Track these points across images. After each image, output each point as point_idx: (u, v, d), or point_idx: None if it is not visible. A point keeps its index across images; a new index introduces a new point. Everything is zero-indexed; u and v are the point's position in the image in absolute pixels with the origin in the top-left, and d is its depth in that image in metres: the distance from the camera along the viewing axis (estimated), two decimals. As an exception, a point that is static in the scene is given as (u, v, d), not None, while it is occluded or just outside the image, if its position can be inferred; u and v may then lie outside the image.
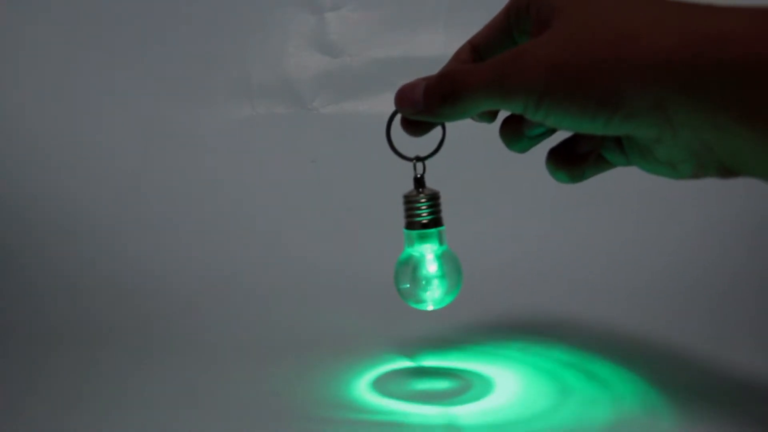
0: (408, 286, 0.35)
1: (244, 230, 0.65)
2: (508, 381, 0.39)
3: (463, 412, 0.35)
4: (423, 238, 0.34)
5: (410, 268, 0.35)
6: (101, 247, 0.63)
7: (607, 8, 0.26)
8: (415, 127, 0.32)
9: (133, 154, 0.69)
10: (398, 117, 0.32)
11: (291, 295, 0.57)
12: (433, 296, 0.35)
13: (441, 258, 0.35)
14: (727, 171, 0.27)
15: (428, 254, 0.35)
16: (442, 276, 0.35)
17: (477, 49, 0.33)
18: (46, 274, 0.60)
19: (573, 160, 0.32)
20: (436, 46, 0.68)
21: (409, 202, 0.34)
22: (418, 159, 0.34)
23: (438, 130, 0.33)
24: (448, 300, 0.35)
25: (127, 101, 0.70)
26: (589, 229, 0.62)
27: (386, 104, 0.74)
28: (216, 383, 0.40)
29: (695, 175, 0.28)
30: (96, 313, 0.53)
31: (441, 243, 0.35)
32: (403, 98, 0.30)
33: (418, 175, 0.34)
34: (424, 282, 0.34)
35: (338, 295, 0.57)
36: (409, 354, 0.45)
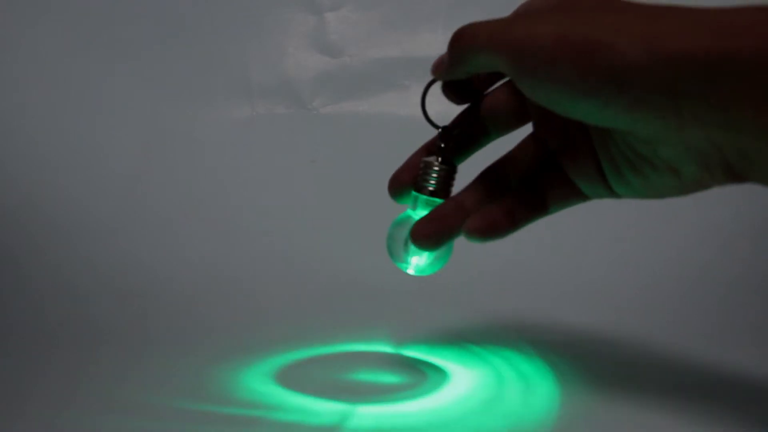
0: (397, 245, 0.35)
1: (244, 230, 0.65)
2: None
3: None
4: (426, 205, 0.34)
5: (404, 229, 0.35)
6: (101, 247, 0.63)
7: (604, 4, 0.26)
8: (453, 92, 0.32)
9: (133, 154, 0.69)
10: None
11: (290, 295, 0.57)
12: (418, 263, 0.35)
13: None
14: (733, 173, 0.25)
15: None
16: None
17: None
18: (45, 274, 0.60)
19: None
20: (436, 46, 0.68)
21: (426, 166, 0.34)
22: (445, 129, 0.34)
23: None
24: (431, 271, 0.36)
25: (127, 101, 0.70)
26: (589, 229, 0.62)
27: (386, 104, 0.74)
28: (215, 382, 0.40)
29: (700, 180, 0.26)
30: (95, 313, 0.53)
31: None
32: (437, 62, 0.31)
33: (442, 145, 0.34)
34: (412, 246, 0.34)
35: (338, 294, 0.57)
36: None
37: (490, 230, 0.31)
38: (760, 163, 0.24)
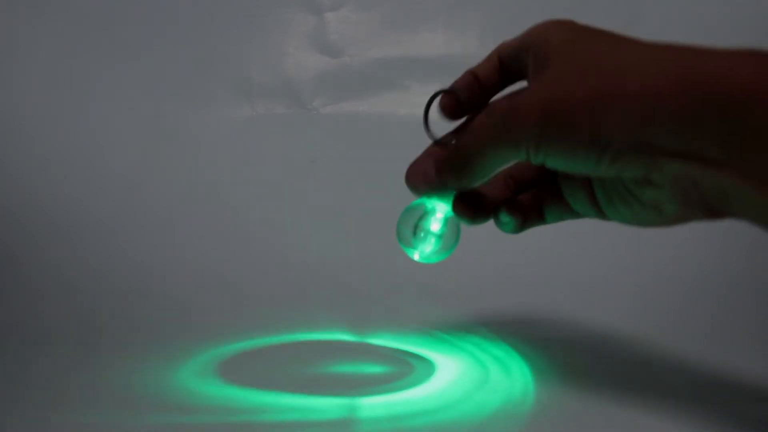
0: (406, 229, 0.36)
1: (243, 230, 0.65)
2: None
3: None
4: (441, 196, 0.35)
5: (417, 215, 0.36)
6: (101, 247, 0.63)
7: (599, 50, 0.27)
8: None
9: (133, 154, 0.69)
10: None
11: (290, 295, 0.57)
12: (423, 250, 0.36)
13: (447, 221, 0.36)
14: (712, 211, 0.27)
15: (438, 212, 0.36)
16: (440, 237, 0.36)
17: (503, 61, 0.34)
18: (45, 274, 0.60)
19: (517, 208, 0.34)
20: (436, 46, 0.68)
21: None
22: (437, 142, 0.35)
23: None
24: (434, 260, 0.37)
25: (127, 101, 0.70)
26: (588, 229, 0.62)
27: (386, 104, 0.74)
28: (215, 382, 0.40)
29: (680, 217, 0.28)
30: (94, 313, 0.53)
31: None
32: (415, 175, 0.32)
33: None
34: (421, 234, 0.36)
35: (338, 294, 0.57)
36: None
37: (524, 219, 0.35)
38: (736, 199, 0.25)
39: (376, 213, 0.54)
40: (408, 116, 0.68)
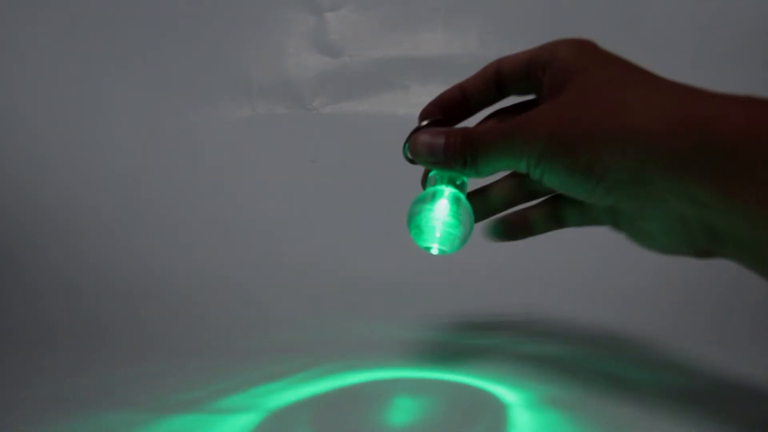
0: (420, 224, 0.34)
1: (244, 230, 0.65)
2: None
3: None
4: (450, 182, 0.34)
5: (426, 206, 0.34)
6: (101, 247, 0.63)
7: (611, 81, 0.28)
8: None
9: (133, 154, 0.69)
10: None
11: (290, 296, 0.57)
12: (439, 241, 0.34)
13: (458, 205, 0.34)
14: (701, 250, 0.28)
15: (446, 198, 0.34)
16: (455, 223, 0.34)
17: (465, 95, 0.34)
18: (45, 274, 0.60)
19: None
20: (435, 46, 0.68)
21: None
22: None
23: None
24: (452, 249, 0.34)
25: (127, 101, 0.70)
26: (588, 228, 0.62)
27: (386, 104, 0.74)
28: (213, 383, 0.40)
29: (674, 251, 0.30)
30: (94, 313, 0.53)
31: (462, 192, 0.35)
32: (421, 146, 0.32)
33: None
34: (435, 225, 0.34)
35: (338, 295, 0.57)
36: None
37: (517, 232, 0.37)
38: (726, 237, 0.26)
39: (375, 213, 0.54)
40: (408, 116, 0.68)
